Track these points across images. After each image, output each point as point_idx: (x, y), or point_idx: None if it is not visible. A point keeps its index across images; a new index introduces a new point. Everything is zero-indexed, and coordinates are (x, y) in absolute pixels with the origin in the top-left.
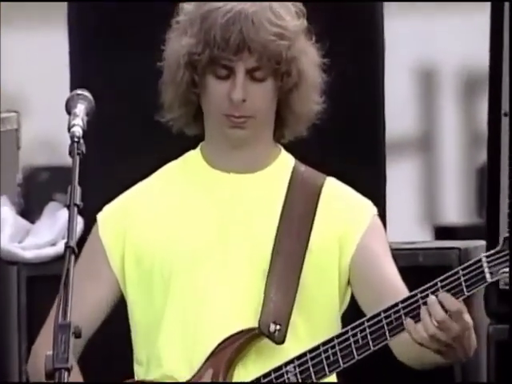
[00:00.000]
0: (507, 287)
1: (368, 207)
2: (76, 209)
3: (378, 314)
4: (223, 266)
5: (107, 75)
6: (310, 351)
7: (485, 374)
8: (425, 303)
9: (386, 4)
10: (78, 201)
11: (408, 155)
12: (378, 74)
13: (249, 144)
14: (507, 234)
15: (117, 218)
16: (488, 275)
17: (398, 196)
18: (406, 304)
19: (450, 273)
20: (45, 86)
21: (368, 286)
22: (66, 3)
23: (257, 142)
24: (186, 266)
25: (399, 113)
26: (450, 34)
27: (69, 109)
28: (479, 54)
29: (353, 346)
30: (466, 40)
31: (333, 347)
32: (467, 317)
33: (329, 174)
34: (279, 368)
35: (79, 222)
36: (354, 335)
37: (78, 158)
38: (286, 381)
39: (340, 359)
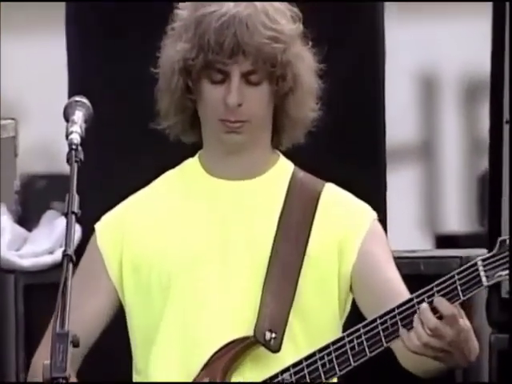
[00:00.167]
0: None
1: (367, 212)
2: (74, 217)
3: (374, 320)
4: (222, 272)
5: (106, 76)
6: (306, 358)
7: None
8: (432, 302)
9: (386, 9)
10: (75, 209)
11: (409, 162)
12: (379, 80)
13: (246, 149)
14: (504, 237)
15: (115, 227)
16: (484, 279)
17: (399, 204)
18: (401, 310)
19: (445, 277)
20: (43, 92)
21: (370, 292)
22: (64, 9)
23: (254, 147)
24: (185, 273)
25: (400, 119)
26: (451, 40)
27: (67, 116)
28: (481, 60)
29: (349, 352)
30: (467, 46)
31: (329, 354)
32: (463, 321)
33: (328, 181)
34: (275, 376)
35: (77, 230)
36: (350, 341)
37: (76, 166)
38: None
39: (336, 366)
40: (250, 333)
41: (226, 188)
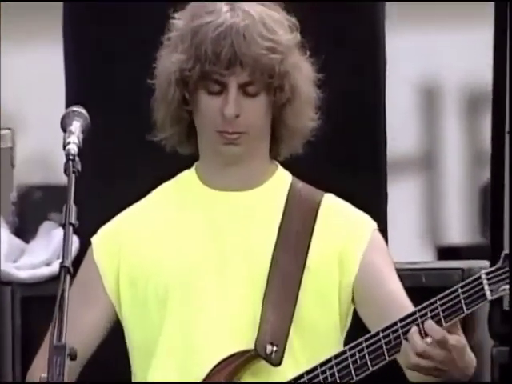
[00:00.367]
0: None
1: (368, 222)
2: (71, 228)
3: (377, 334)
4: (219, 283)
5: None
6: (308, 372)
7: None
8: (423, 322)
9: (387, 19)
10: (73, 220)
11: (409, 173)
12: (380, 90)
13: (243, 160)
14: (507, 251)
15: (111, 239)
16: (488, 293)
17: (400, 215)
18: (404, 323)
19: (449, 291)
20: (40, 103)
21: (373, 303)
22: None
23: (251, 159)
24: (182, 284)
25: (401, 129)
26: (453, 50)
27: (64, 126)
28: (482, 70)
29: (351, 366)
30: (468, 56)
31: (331, 368)
32: (456, 338)
33: (328, 191)
34: None
35: (74, 242)
36: (352, 355)
37: (73, 177)
38: None
39: (338, 380)
40: (249, 343)
41: (223, 199)
